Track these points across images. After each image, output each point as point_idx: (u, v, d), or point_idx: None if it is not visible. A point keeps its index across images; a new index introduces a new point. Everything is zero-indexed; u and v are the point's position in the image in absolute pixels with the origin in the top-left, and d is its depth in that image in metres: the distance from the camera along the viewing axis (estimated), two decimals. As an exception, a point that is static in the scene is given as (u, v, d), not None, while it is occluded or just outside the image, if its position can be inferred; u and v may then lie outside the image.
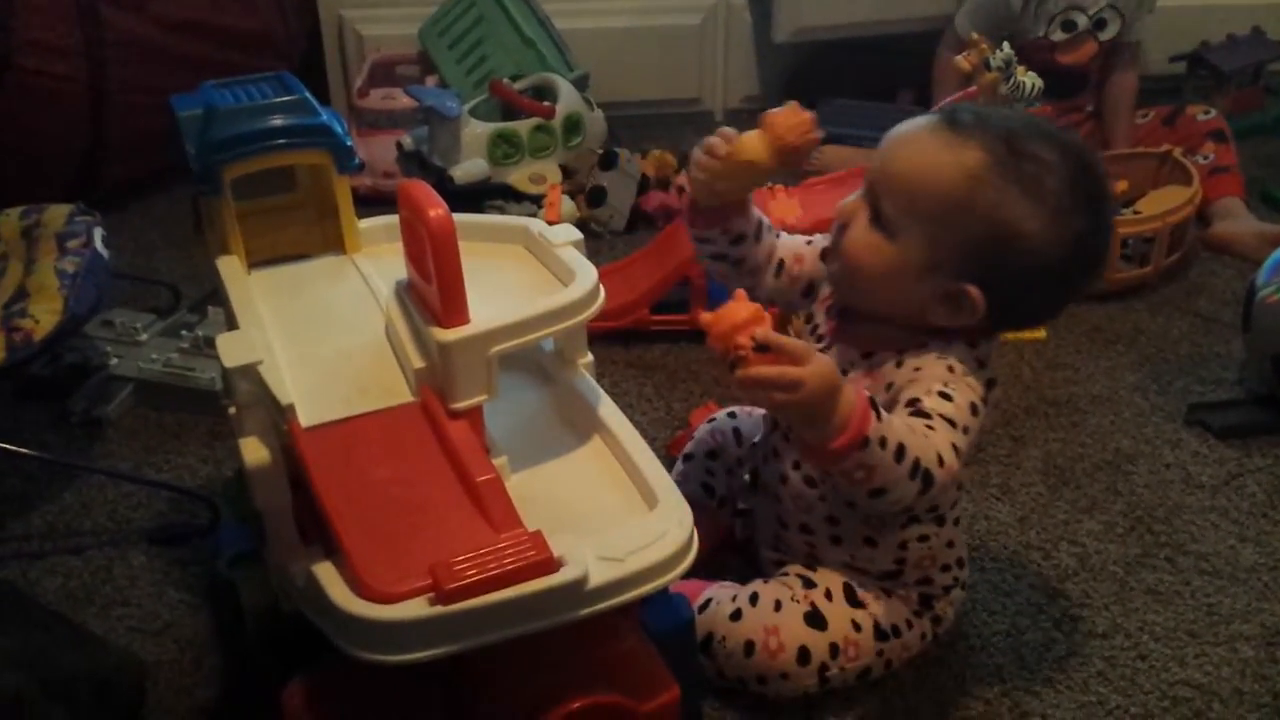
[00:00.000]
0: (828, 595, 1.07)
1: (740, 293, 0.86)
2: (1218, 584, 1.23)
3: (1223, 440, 1.46)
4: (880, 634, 1.07)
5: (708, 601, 1.08)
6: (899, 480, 0.89)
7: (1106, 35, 2.03)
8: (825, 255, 1.08)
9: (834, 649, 1.05)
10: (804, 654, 1.04)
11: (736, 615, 1.06)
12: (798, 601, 1.06)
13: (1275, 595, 1.21)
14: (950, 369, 0.97)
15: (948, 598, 1.12)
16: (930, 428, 0.92)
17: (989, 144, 0.94)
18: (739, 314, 0.84)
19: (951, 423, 0.93)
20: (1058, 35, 2.01)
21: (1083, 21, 2.01)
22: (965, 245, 0.95)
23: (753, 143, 0.97)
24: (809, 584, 1.08)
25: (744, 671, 1.05)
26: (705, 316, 0.86)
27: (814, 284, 1.10)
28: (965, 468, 1.02)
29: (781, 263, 1.10)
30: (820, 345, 1.06)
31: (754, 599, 1.06)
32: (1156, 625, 1.18)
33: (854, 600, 1.07)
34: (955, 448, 0.92)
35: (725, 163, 0.99)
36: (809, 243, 1.11)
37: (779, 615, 1.05)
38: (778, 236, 1.11)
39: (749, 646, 1.04)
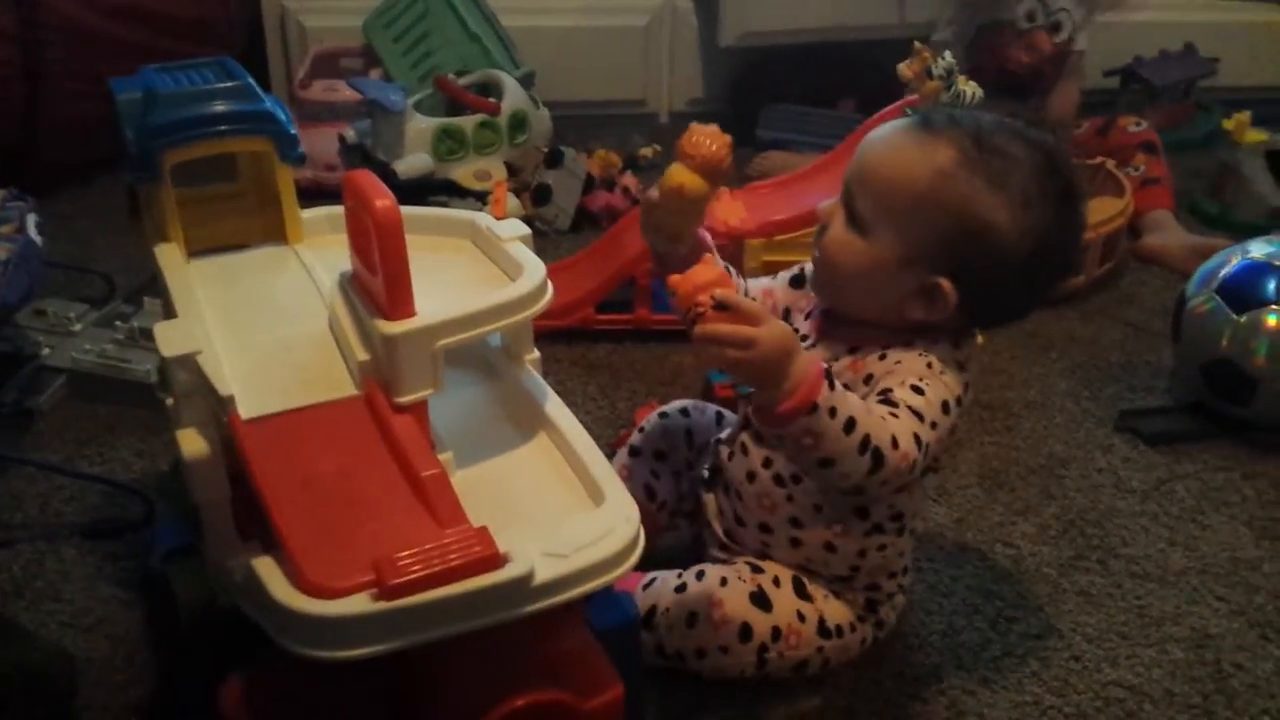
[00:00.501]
0: (775, 582, 1.08)
1: (707, 256, 0.92)
2: (1148, 587, 1.26)
3: (1152, 446, 1.50)
4: (824, 631, 1.08)
5: (652, 580, 1.09)
6: (847, 453, 0.90)
7: (1059, 38, 2.07)
8: (794, 281, 1.13)
9: (776, 632, 1.06)
10: (746, 631, 1.05)
11: (681, 588, 1.06)
12: (744, 581, 1.07)
13: (1204, 598, 1.24)
14: (929, 365, 0.98)
15: (891, 603, 1.13)
16: (894, 414, 0.94)
17: (958, 141, 0.96)
18: (703, 275, 0.89)
19: (919, 415, 0.95)
20: (1022, 25, 2.05)
21: (1040, 18, 2.05)
22: (936, 239, 0.97)
23: (674, 170, 1.00)
24: (757, 570, 1.09)
25: (684, 644, 1.05)
26: (673, 278, 0.90)
27: (788, 310, 1.12)
28: (935, 473, 1.05)
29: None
30: (806, 344, 1.06)
31: (700, 575, 1.07)
32: (1089, 626, 1.20)
33: (802, 593, 1.08)
34: (917, 437, 0.94)
35: (660, 197, 1.01)
36: (773, 278, 1.15)
37: (725, 590, 1.06)
38: (743, 280, 1.13)
39: (692, 617, 1.05)
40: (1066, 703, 1.10)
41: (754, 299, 1.08)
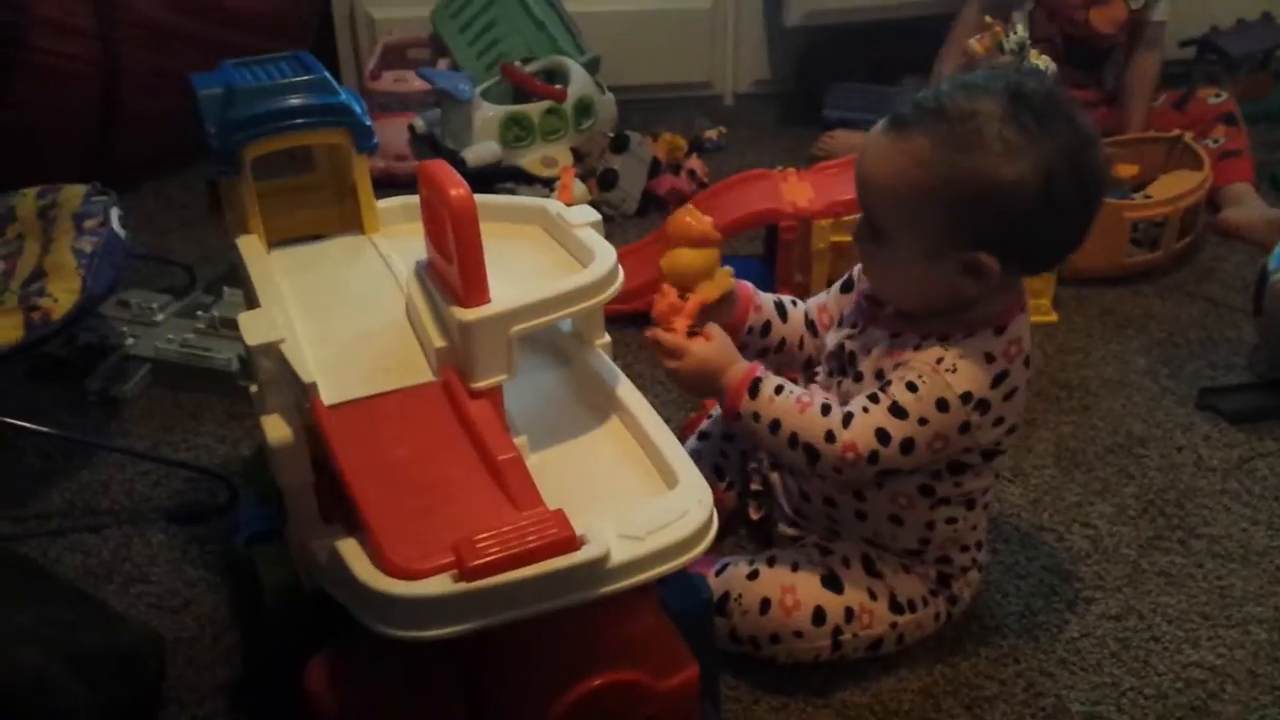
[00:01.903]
0: (845, 562, 1.09)
1: (664, 288, 1.06)
2: (1230, 567, 1.23)
3: (1234, 424, 1.47)
4: (896, 606, 1.08)
5: (724, 565, 1.10)
6: (780, 448, 1.02)
7: (1136, 3, 2.02)
8: (845, 286, 1.16)
9: (849, 613, 1.07)
10: (819, 614, 1.06)
11: (754, 575, 1.08)
12: (814, 565, 1.08)
13: (1287, 578, 1.22)
14: (938, 361, 0.99)
15: (965, 579, 1.13)
16: (863, 409, 1.00)
17: (925, 126, 0.96)
18: (659, 305, 1.06)
19: (901, 412, 0.99)
20: None
21: None
22: (948, 223, 0.97)
23: (673, 255, 1.07)
24: (826, 551, 1.10)
25: (758, 630, 1.07)
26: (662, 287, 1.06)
27: (843, 316, 1.14)
28: (1000, 454, 1.06)
29: (811, 322, 1.17)
30: (854, 330, 1.09)
31: (771, 560, 1.09)
32: (1169, 607, 1.18)
33: (872, 570, 1.09)
34: (883, 432, 0.98)
35: (669, 281, 1.07)
36: (828, 291, 1.18)
37: (796, 575, 1.07)
38: (795, 304, 1.18)
39: (765, 604, 1.06)
40: (1146, 684, 1.09)
41: (809, 317, 1.17)
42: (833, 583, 1.07)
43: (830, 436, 0.99)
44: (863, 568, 1.09)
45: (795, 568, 1.08)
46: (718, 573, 1.10)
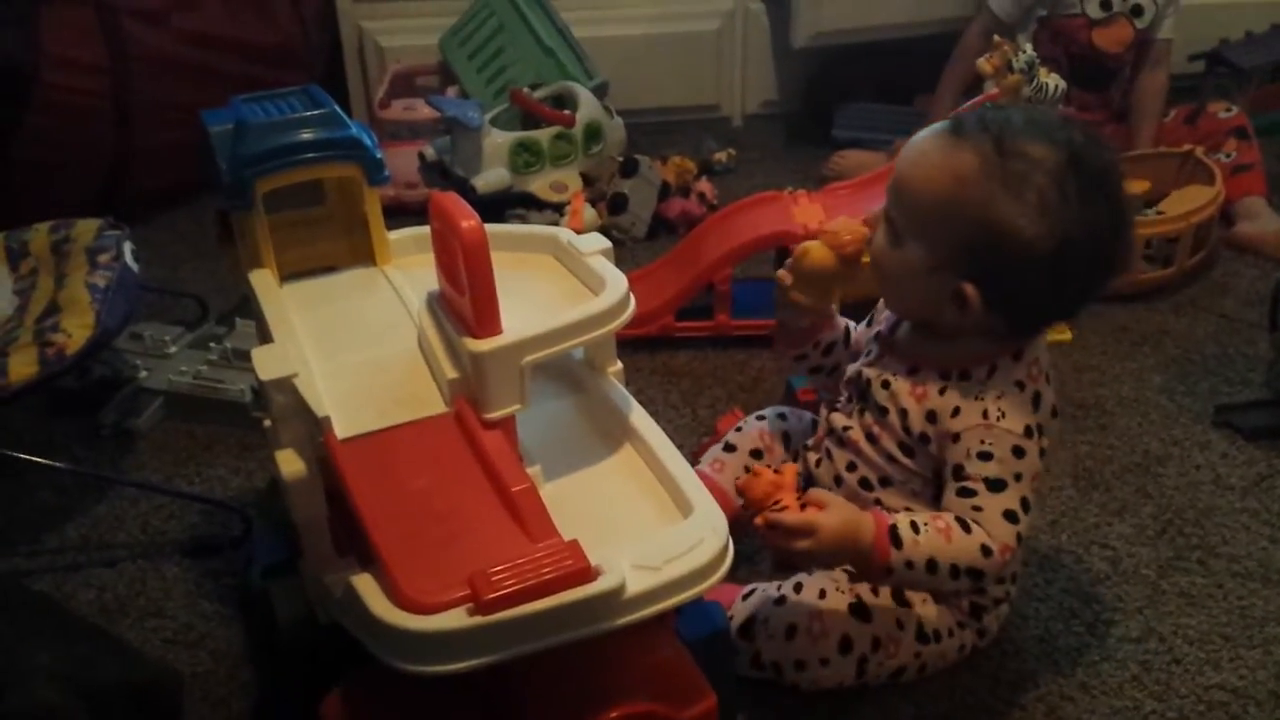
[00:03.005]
0: (874, 591, 1.08)
1: (786, 467, 0.98)
2: (1251, 586, 1.22)
3: (1251, 441, 1.46)
4: (922, 637, 1.07)
5: (752, 590, 1.10)
6: (943, 583, 0.98)
7: (1142, 23, 2.03)
8: (869, 321, 1.17)
9: (875, 642, 1.06)
10: (846, 643, 1.05)
11: (781, 600, 1.07)
12: (843, 592, 1.07)
13: (1310, 597, 1.21)
14: (984, 416, 1.00)
15: (996, 611, 1.12)
16: (977, 507, 0.98)
17: (980, 146, 0.96)
18: (772, 481, 0.96)
19: (999, 484, 0.98)
20: (1095, 13, 2.01)
21: (1118, 3, 2.01)
22: (958, 245, 0.98)
23: (816, 249, 1.07)
24: (855, 578, 1.08)
25: (783, 655, 1.06)
26: (743, 480, 0.97)
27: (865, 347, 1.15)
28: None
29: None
30: (870, 360, 1.10)
31: (798, 587, 1.08)
32: (1190, 629, 1.17)
33: (900, 599, 1.08)
34: (1009, 514, 0.98)
35: (795, 273, 1.08)
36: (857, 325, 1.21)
37: (824, 602, 1.06)
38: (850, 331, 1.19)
39: (791, 629, 1.05)
40: (1168, 707, 1.08)
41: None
42: (860, 611, 1.06)
43: (986, 551, 0.97)
44: (892, 596, 1.07)
45: (823, 595, 1.07)
46: (744, 597, 1.09)
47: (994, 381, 1.01)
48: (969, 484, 1.00)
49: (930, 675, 1.10)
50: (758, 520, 0.95)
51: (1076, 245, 0.96)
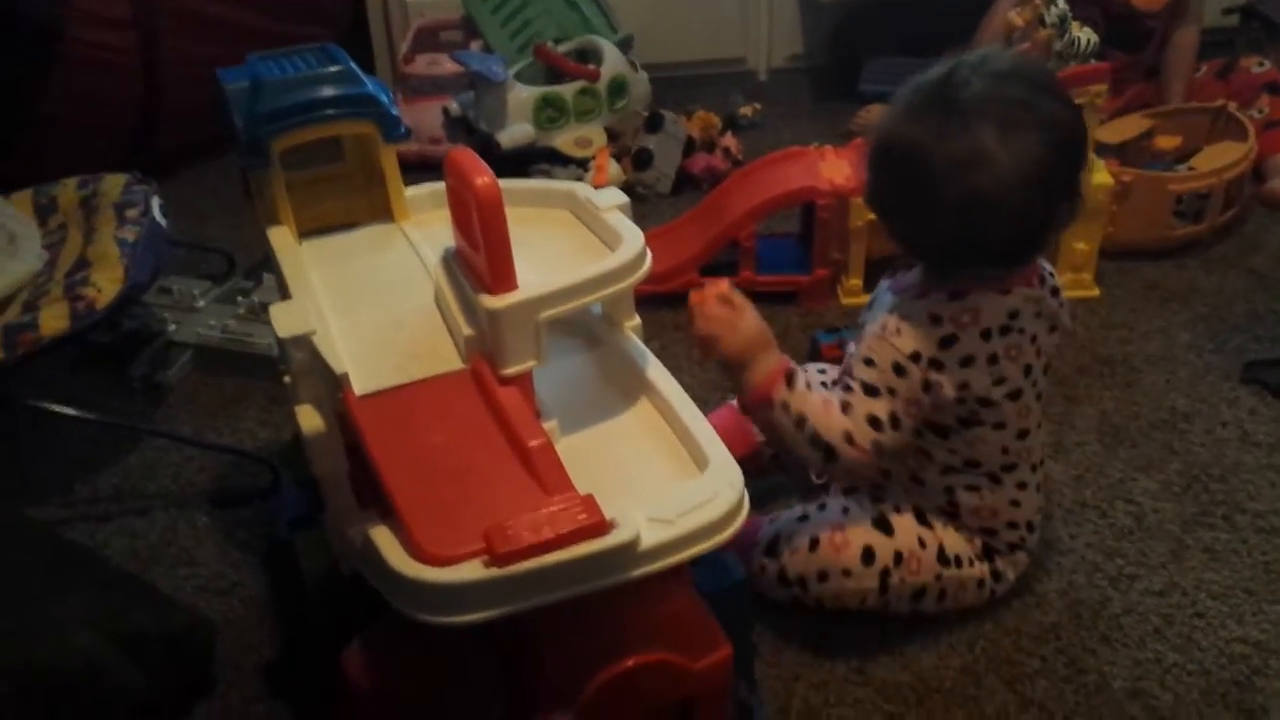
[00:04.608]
0: (896, 509, 1.10)
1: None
2: (1275, 542, 1.21)
3: (1279, 398, 1.44)
4: (943, 558, 1.09)
5: (777, 516, 1.13)
6: (801, 444, 1.02)
7: None
8: None
9: (898, 556, 1.08)
10: (868, 554, 1.07)
11: (804, 518, 1.10)
12: (865, 509, 1.10)
13: (1334, 553, 1.20)
14: (883, 327, 1.02)
15: (1010, 557, 1.12)
16: (847, 403, 1.01)
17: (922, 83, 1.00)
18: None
19: (873, 390, 1.00)
20: None
21: None
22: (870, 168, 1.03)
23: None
24: (878, 498, 1.11)
25: (806, 568, 1.08)
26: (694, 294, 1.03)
27: None
28: (998, 429, 1.05)
29: None
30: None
31: (823, 506, 1.11)
32: (1213, 583, 1.17)
33: (923, 520, 1.10)
34: (874, 419, 1.00)
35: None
36: None
37: (846, 518, 1.10)
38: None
39: (814, 542, 1.08)
40: (1190, 660, 1.08)
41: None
42: (883, 524, 1.09)
43: (848, 438, 1.00)
44: (914, 516, 1.10)
45: (846, 511, 1.10)
46: (772, 520, 1.12)
47: (916, 303, 1.02)
48: (851, 381, 1.02)
49: (950, 622, 1.11)
50: (694, 295, 1.03)
51: (943, 173, 0.95)
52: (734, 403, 1.26)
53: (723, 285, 1.04)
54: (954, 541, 1.10)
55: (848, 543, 1.08)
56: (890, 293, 1.08)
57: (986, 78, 0.95)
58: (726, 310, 1.02)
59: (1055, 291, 1.06)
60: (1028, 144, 0.93)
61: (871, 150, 1.02)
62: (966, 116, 0.94)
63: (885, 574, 1.07)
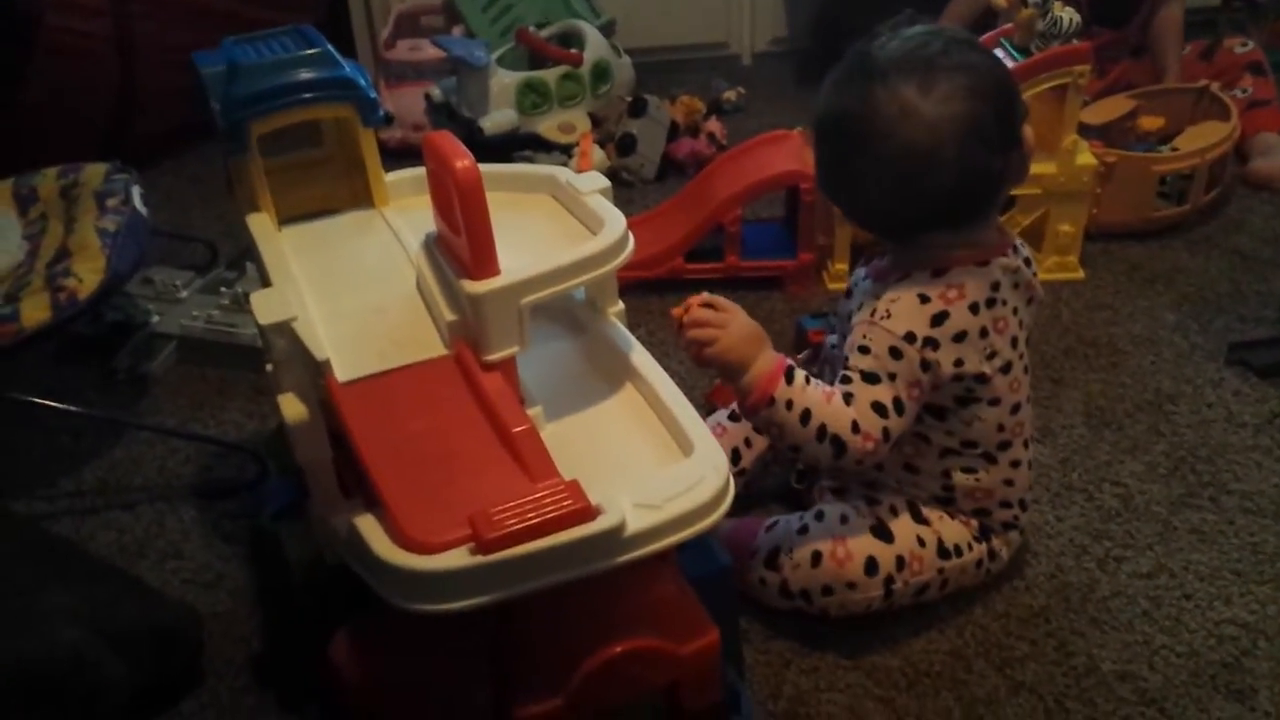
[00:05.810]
0: (892, 511, 1.09)
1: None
2: (1262, 523, 1.22)
3: (1264, 379, 1.44)
4: (943, 552, 1.09)
5: (775, 522, 1.12)
6: (808, 441, 0.99)
7: None
8: None
9: (900, 561, 1.07)
10: (871, 564, 1.07)
11: (803, 530, 1.09)
12: (863, 516, 1.09)
13: (1320, 532, 1.20)
14: (872, 312, 1.01)
15: (1005, 536, 1.13)
16: (849, 394, 1.00)
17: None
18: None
19: (873, 377, 1.00)
20: None
21: None
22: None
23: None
24: (873, 502, 1.10)
25: (810, 582, 1.07)
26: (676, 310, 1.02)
27: None
28: (993, 405, 1.05)
29: None
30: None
31: (820, 515, 1.10)
32: (1201, 565, 1.17)
33: (919, 517, 1.09)
34: (878, 405, 0.99)
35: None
36: None
37: (846, 527, 1.08)
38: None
39: (816, 557, 1.07)
40: (1178, 641, 1.08)
41: None
42: (882, 532, 1.08)
43: (855, 427, 0.99)
44: (910, 515, 1.09)
45: (844, 520, 1.09)
46: (768, 529, 1.11)
47: (900, 286, 1.02)
48: (848, 372, 1.02)
49: (939, 608, 1.12)
50: (676, 310, 1.01)
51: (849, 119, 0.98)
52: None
53: (703, 295, 1.02)
54: (951, 531, 1.10)
55: (850, 555, 1.07)
56: (868, 279, 1.08)
57: (902, 39, 0.98)
58: (715, 314, 1.01)
59: (1028, 262, 1.08)
60: (951, 90, 0.95)
61: (813, 134, 1.03)
62: (887, 75, 0.96)
63: (889, 581, 1.07)
